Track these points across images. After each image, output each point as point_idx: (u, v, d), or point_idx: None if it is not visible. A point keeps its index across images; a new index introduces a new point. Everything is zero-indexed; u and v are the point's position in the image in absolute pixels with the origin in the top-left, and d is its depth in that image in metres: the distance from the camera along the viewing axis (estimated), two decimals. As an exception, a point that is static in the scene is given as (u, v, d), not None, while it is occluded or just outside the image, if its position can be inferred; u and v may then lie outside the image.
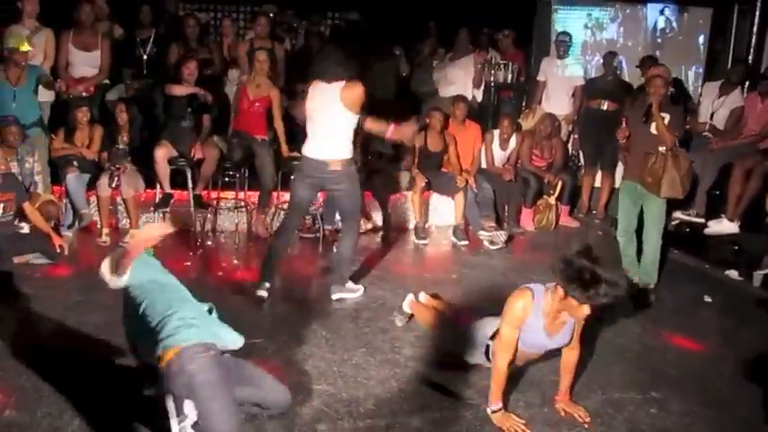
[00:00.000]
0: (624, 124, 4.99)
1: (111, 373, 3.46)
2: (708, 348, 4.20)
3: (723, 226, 5.89)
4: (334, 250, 5.19)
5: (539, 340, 3.19)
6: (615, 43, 8.34)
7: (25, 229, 5.32)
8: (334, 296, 4.66)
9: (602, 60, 7.39)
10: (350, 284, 4.75)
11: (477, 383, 3.51)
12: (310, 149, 4.45)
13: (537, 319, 3.12)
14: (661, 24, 8.35)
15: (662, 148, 4.64)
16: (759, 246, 5.47)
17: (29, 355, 3.59)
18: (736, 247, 5.77)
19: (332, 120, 4.34)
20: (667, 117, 4.68)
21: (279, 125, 6.16)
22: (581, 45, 8.30)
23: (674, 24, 8.30)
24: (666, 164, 4.59)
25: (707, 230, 5.95)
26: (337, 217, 6.06)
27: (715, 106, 6.41)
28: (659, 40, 8.33)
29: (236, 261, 5.56)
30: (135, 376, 3.21)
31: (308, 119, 4.46)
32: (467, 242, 6.21)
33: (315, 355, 3.77)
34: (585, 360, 3.78)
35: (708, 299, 5.02)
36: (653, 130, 4.69)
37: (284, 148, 6.13)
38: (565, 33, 7.47)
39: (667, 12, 8.29)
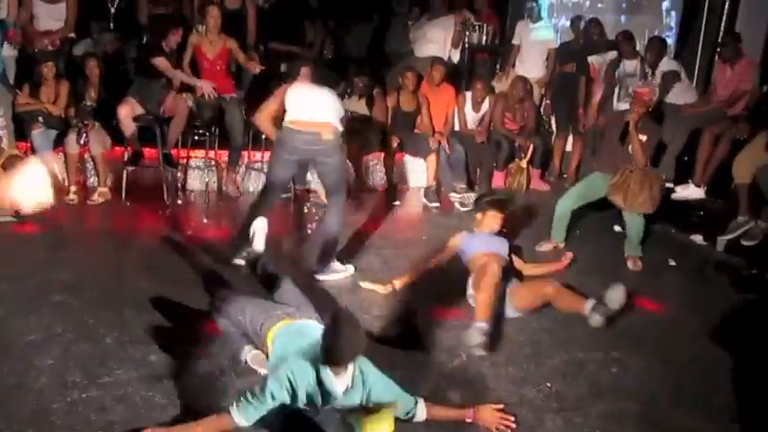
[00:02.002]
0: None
1: (79, 329, 3.45)
2: (670, 310, 4.30)
3: (690, 191, 5.99)
4: (314, 227, 5.07)
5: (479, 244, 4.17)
6: (581, 6, 8.34)
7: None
8: (321, 278, 4.30)
9: (568, 23, 7.39)
10: (336, 264, 4.41)
11: (444, 343, 3.57)
12: (297, 121, 4.16)
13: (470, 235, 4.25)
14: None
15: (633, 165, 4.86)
16: (724, 211, 5.58)
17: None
18: (702, 212, 5.88)
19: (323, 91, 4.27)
20: (644, 138, 4.86)
21: (248, 65, 6.14)
22: (548, 8, 8.24)
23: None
24: (642, 184, 4.80)
25: (674, 195, 6.04)
26: (309, 177, 6.05)
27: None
28: (624, 5, 8.35)
29: (205, 220, 5.53)
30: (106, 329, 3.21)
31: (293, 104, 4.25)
32: (438, 204, 6.24)
33: (284, 315, 3.77)
34: (549, 322, 3.88)
35: (672, 262, 5.12)
36: (629, 149, 4.87)
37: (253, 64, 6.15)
38: (533, -2, 7.42)
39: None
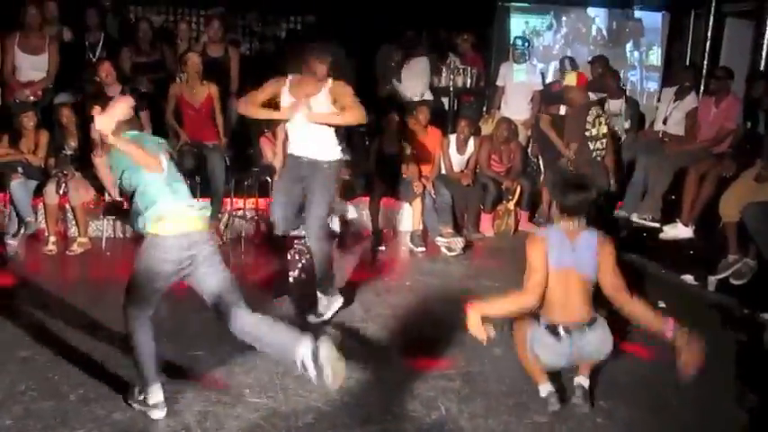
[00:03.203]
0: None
1: (43, 386, 3.32)
2: (659, 355, 4.13)
3: (678, 230, 5.89)
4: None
5: (564, 254, 3.27)
6: (551, 50, 8.46)
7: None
8: (326, 315, 4.37)
9: (558, 66, 7.43)
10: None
11: (422, 395, 3.44)
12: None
13: (556, 233, 3.33)
14: (593, 33, 8.52)
15: None
16: (714, 250, 5.49)
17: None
18: (692, 252, 5.78)
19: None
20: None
21: (219, 119, 6.11)
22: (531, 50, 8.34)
23: (605, 33, 8.47)
24: None
25: (662, 235, 5.95)
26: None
27: (668, 111, 6.44)
28: (591, 47, 8.46)
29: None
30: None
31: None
32: (424, 249, 6.14)
33: (258, 368, 3.65)
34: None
35: (662, 304, 4.98)
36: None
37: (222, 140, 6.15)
38: (520, 38, 7.47)
39: (598, 21, 8.46)
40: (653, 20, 8.44)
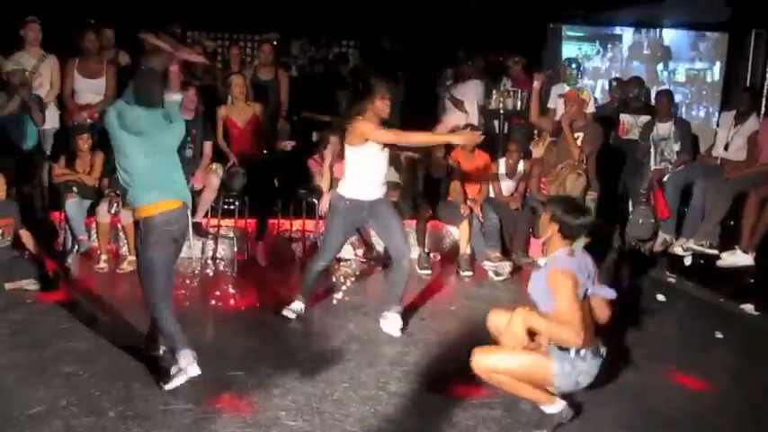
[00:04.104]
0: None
1: (84, 402, 3.36)
2: (713, 388, 3.95)
3: (737, 257, 5.62)
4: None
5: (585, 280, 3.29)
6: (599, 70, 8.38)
7: (24, 253, 5.32)
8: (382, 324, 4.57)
9: (607, 87, 7.28)
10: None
11: (461, 423, 3.34)
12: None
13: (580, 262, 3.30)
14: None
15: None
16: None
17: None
18: (752, 280, 5.53)
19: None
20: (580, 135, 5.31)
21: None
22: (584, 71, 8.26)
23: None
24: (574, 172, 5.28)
25: (720, 262, 5.69)
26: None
27: (729, 136, 6.20)
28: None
29: (231, 290, 5.45)
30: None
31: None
32: (471, 273, 6.04)
33: (295, 390, 3.62)
34: (578, 402, 3.59)
35: (719, 335, 4.77)
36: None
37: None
38: (570, 60, 7.34)
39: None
40: (677, 37, 8.39)
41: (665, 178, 6.33)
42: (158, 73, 3.83)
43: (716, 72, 8.11)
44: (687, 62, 8.40)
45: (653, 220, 6.19)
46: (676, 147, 6.35)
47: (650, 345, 4.44)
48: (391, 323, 4.51)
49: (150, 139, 3.59)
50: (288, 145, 6.40)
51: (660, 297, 5.21)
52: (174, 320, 3.59)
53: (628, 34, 8.55)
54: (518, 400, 3.47)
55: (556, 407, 3.26)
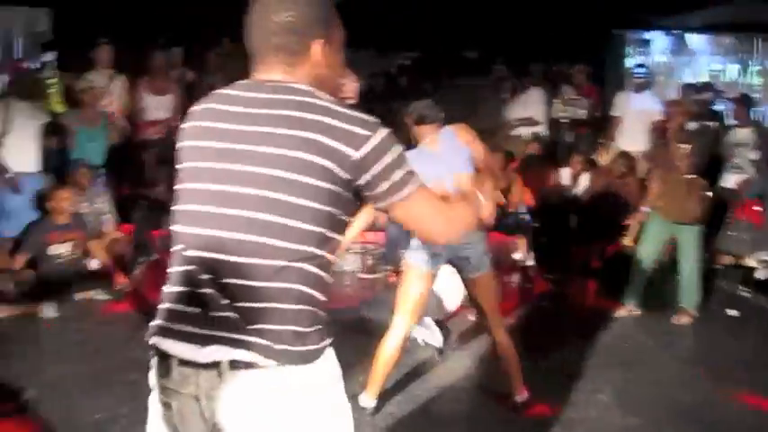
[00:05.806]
0: None
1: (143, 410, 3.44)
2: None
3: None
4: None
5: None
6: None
7: (93, 265, 5.51)
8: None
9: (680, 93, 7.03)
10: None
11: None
12: None
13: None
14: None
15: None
16: None
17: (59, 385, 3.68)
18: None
19: None
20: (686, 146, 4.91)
21: None
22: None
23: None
24: (687, 189, 4.78)
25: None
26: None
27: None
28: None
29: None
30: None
31: None
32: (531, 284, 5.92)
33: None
34: (638, 424, 3.44)
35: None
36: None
37: None
38: (640, 65, 7.14)
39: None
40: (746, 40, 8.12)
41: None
42: None
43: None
44: (758, 64, 8.04)
45: (748, 236, 5.81)
46: (752, 155, 6.02)
47: (719, 362, 4.23)
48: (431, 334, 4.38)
49: None
50: None
51: (732, 312, 4.96)
52: None
53: (695, 37, 8.25)
54: (578, 417, 3.37)
55: None
